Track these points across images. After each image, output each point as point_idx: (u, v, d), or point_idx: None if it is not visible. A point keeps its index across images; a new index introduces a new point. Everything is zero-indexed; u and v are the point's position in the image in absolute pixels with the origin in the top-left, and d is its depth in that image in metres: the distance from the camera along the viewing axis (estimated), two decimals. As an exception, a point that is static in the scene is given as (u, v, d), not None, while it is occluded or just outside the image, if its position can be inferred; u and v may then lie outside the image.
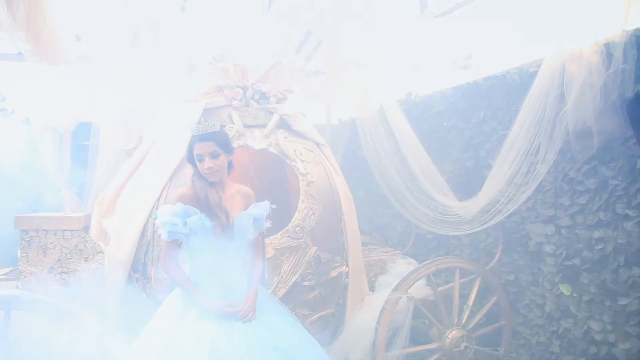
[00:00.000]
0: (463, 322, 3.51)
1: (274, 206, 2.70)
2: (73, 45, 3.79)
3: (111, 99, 3.92)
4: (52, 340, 2.89)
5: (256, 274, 2.66)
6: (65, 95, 3.80)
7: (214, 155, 2.49)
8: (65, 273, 3.16)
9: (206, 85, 3.64)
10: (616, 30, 2.89)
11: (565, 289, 3.34)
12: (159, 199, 3.24)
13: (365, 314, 3.41)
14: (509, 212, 3.39)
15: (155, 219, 2.51)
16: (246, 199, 2.65)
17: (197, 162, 2.53)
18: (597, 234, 3.18)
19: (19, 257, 3.18)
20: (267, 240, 3.23)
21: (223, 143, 2.54)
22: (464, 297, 3.61)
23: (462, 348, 3.42)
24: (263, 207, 2.64)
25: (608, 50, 2.91)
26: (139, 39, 3.89)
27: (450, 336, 3.44)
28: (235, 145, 3.39)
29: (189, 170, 3.27)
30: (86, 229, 3.39)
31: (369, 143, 4.09)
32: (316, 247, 3.38)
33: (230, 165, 2.63)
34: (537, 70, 3.20)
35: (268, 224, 2.70)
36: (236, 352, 2.32)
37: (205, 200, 2.48)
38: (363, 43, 4.04)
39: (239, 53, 3.86)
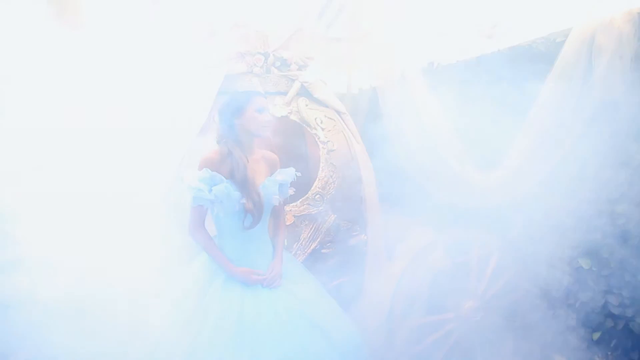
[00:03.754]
0: (480, 292, 3.53)
1: (299, 174, 2.71)
2: (94, 8, 3.76)
3: (130, 63, 3.91)
4: (76, 303, 2.96)
5: (280, 241, 2.69)
6: (86, 59, 3.80)
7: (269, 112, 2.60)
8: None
9: (227, 52, 3.62)
10: (650, -2, 2.81)
11: (584, 263, 3.33)
12: (180, 165, 3.26)
13: (383, 283, 3.44)
14: (531, 184, 3.36)
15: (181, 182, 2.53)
16: (271, 166, 2.67)
17: (255, 114, 2.54)
18: (619, 209, 3.14)
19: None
20: (286, 208, 3.26)
21: None
22: (482, 269, 3.61)
23: (478, 318, 3.44)
24: (288, 174, 2.66)
25: (640, 20, 2.83)
26: (158, 3, 3.85)
27: (467, 306, 3.46)
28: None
29: (209, 136, 3.31)
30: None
31: (389, 112, 4.05)
32: (335, 215, 3.40)
33: None
34: (565, 40, 3.12)
35: (291, 192, 2.71)
36: (263, 319, 2.35)
37: (243, 175, 2.48)
38: (385, 10, 3.96)
39: (260, 19, 3.82)
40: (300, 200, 3.33)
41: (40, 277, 2.95)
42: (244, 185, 2.46)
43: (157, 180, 3.25)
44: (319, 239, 3.33)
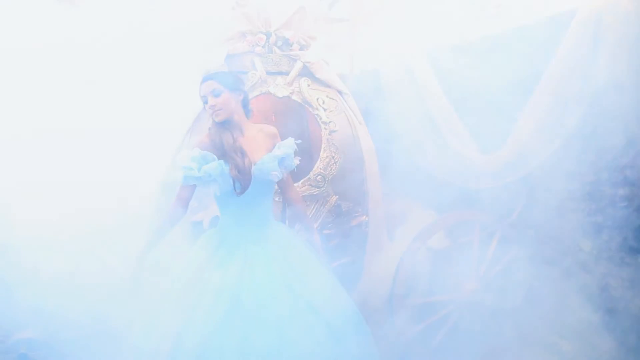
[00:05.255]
0: (481, 274, 3.54)
1: (299, 141, 2.69)
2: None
3: (131, 43, 3.87)
4: (78, 283, 2.98)
5: (306, 220, 2.84)
6: (83, 37, 3.76)
7: (216, 94, 2.51)
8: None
9: (228, 31, 3.58)
10: (658, -22, 2.77)
11: (585, 245, 3.33)
12: (181, 146, 3.26)
13: (384, 264, 3.45)
14: (533, 166, 3.35)
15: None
16: (271, 138, 2.65)
17: (204, 105, 2.57)
18: (621, 192, 3.13)
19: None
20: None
21: (225, 80, 2.55)
22: (483, 250, 3.62)
23: (479, 300, 3.46)
24: (288, 145, 2.63)
25: (648, 0, 2.80)
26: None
27: (467, 288, 3.47)
28: (257, 92, 3.38)
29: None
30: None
31: (392, 94, 4.03)
32: (337, 196, 3.40)
33: (247, 110, 2.66)
34: (571, 20, 3.09)
35: (297, 161, 2.70)
36: (260, 298, 2.35)
37: (220, 144, 2.49)
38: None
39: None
40: (302, 181, 3.32)
41: (43, 257, 2.97)
42: (223, 152, 2.48)
43: (157, 160, 3.25)
44: (320, 220, 3.33)
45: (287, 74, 3.47)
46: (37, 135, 3.26)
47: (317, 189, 3.33)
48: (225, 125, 2.55)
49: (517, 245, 3.65)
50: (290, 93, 3.43)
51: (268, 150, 2.60)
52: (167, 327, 2.32)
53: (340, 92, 3.61)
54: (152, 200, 3.21)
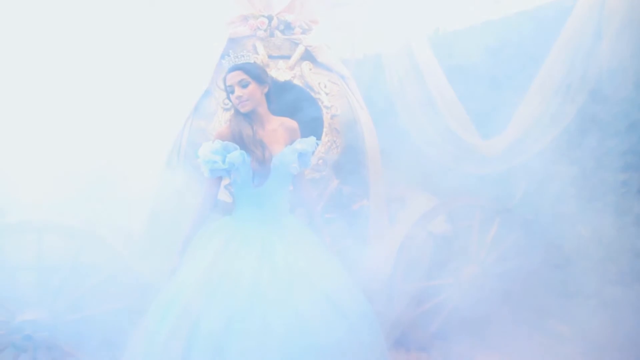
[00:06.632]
0: (481, 259, 3.56)
1: (319, 141, 2.71)
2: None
3: (130, 30, 3.86)
4: (82, 264, 3.00)
5: (317, 217, 2.79)
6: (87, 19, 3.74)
7: (243, 85, 2.50)
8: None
9: (230, 14, 3.56)
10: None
11: (585, 231, 3.34)
12: (183, 130, 3.26)
13: (385, 248, 3.46)
14: (534, 152, 3.35)
15: (197, 158, 2.54)
16: (290, 132, 2.65)
17: (230, 95, 2.55)
18: (622, 177, 3.14)
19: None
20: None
21: (253, 72, 2.53)
22: (483, 235, 3.64)
23: (478, 284, 3.48)
24: (309, 143, 2.64)
25: (652, -16, 2.78)
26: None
27: (467, 272, 3.50)
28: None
29: (213, 101, 3.30)
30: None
31: (393, 78, 4.01)
32: (338, 180, 3.41)
33: (269, 100, 2.63)
34: (574, 5, 3.07)
35: (314, 161, 2.71)
36: (278, 285, 2.36)
37: (240, 136, 2.50)
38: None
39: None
40: (303, 165, 3.33)
41: (47, 238, 2.99)
42: (243, 145, 2.48)
43: (160, 143, 3.26)
44: (322, 204, 3.35)
45: (288, 57, 3.46)
46: (41, 118, 3.27)
47: (318, 173, 3.34)
48: (247, 117, 2.55)
49: (516, 231, 3.67)
50: (292, 77, 3.42)
51: (286, 144, 2.61)
52: (184, 311, 2.33)
53: (342, 76, 3.60)
54: (154, 182, 3.22)
